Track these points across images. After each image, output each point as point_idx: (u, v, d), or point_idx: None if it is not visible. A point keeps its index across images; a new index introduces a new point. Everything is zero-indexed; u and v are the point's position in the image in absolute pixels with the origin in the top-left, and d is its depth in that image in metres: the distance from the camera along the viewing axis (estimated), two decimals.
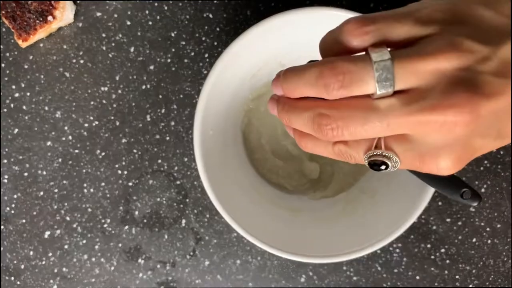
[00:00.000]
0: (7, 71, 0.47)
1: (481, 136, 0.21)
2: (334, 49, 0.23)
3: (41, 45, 0.47)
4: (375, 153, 0.23)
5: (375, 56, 0.21)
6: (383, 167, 0.23)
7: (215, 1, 0.47)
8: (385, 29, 0.22)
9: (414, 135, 0.22)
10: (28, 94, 0.47)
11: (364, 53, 0.22)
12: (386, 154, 0.23)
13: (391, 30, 0.22)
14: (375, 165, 0.23)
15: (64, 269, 0.48)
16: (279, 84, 0.24)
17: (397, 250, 0.48)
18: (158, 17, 0.47)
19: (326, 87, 0.22)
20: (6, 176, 0.48)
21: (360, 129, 0.22)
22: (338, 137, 0.22)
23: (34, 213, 0.48)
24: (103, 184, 0.48)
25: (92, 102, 0.47)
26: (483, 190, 0.47)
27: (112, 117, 0.47)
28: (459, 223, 0.48)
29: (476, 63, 0.21)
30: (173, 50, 0.47)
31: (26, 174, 0.48)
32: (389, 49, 0.22)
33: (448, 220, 0.48)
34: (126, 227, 0.48)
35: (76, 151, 0.47)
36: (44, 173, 0.48)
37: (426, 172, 0.23)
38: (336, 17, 0.37)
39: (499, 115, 0.21)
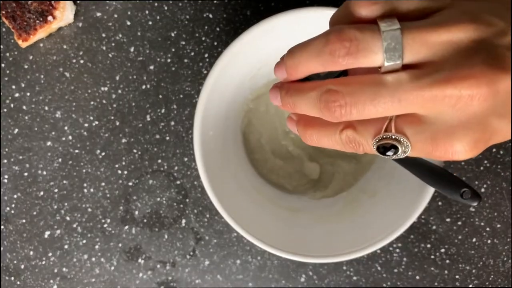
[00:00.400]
0: (7, 71, 0.47)
1: (498, 116, 0.20)
2: (343, 22, 0.22)
3: (41, 45, 0.47)
4: (384, 136, 0.21)
5: (383, 26, 0.20)
6: (390, 152, 0.21)
7: (215, 1, 0.47)
8: (395, 0, 0.21)
9: (426, 115, 0.20)
10: (28, 94, 0.47)
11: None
12: (397, 137, 0.21)
13: (401, 1, 0.21)
14: (384, 149, 0.22)
15: (64, 269, 0.48)
16: (282, 64, 0.23)
17: (397, 250, 0.48)
18: (158, 17, 0.47)
19: (331, 54, 0.20)
20: (6, 176, 0.48)
21: (369, 106, 0.20)
22: (346, 116, 0.21)
23: (34, 213, 0.48)
24: (103, 184, 0.48)
25: (92, 102, 0.47)
26: (483, 190, 0.47)
27: (112, 117, 0.47)
28: (459, 223, 0.48)
29: (493, 36, 0.19)
30: (173, 50, 0.47)
31: (26, 174, 0.48)
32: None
33: (448, 220, 0.48)
34: (126, 227, 0.48)
35: (76, 151, 0.47)
36: (44, 173, 0.48)
37: (440, 159, 0.21)
38: None
39: None
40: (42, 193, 0.48)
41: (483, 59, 0.19)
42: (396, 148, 0.21)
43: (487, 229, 0.48)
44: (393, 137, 0.21)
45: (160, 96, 0.47)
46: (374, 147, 0.22)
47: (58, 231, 0.48)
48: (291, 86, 0.23)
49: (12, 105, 0.47)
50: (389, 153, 0.22)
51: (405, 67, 0.20)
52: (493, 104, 0.19)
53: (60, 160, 0.47)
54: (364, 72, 0.21)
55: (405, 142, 0.21)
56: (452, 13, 0.20)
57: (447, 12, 0.20)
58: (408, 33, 0.20)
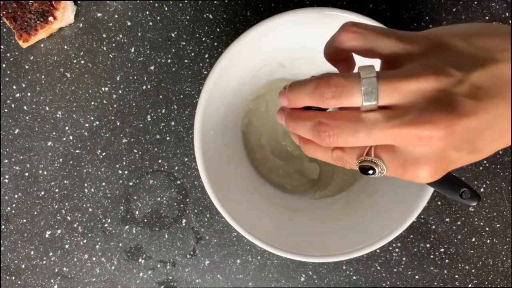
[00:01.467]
0: (8, 72, 0.47)
1: (455, 150, 0.25)
2: (333, 51, 0.28)
3: (42, 45, 0.47)
4: (365, 159, 0.27)
5: (363, 74, 0.25)
6: (370, 171, 0.27)
7: (215, 2, 0.47)
8: (372, 38, 0.26)
9: (398, 146, 0.25)
10: (29, 94, 0.47)
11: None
12: (374, 161, 0.26)
13: (377, 41, 0.26)
14: (364, 170, 0.27)
15: (64, 268, 0.48)
16: (285, 95, 0.29)
17: (397, 250, 0.48)
18: (158, 18, 0.47)
19: (321, 96, 0.26)
20: (7, 176, 0.48)
21: (351, 137, 0.25)
22: (333, 143, 0.26)
23: (35, 212, 0.48)
24: (103, 184, 0.48)
25: (92, 102, 0.47)
26: (482, 190, 0.48)
27: (113, 117, 0.47)
28: (458, 222, 0.48)
29: (451, 86, 0.24)
30: (173, 50, 0.47)
31: (27, 174, 0.48)
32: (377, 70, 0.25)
33: (447, 219, 0.48)
34: (127, 226, 0.48)
35: (77, 151, 0.48)
36: (45, 173, 0.48)
37: (408, 180, 0.26)
38: (336, 17, 0.37)
39: (472, 132, 0.24)
40: (43, 193, 0.48)
41: (441, 106, 0.24)
42: (374, 169, 0.27)
43: (487, 229, 0.48)
44: (372, 160, 0.27)
45: (161, 97, 0.47)
46: (357, 167, 0.27)
47: (59, 231, 0.48)
48: (292, 113, 0.29)
49: (13, 105, 0.47)
50: (370, 172, 0.27)
51: (381, 108, 0.25)
52: (450, 142, 0.24)
53: (61, 160, 0.48)
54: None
55: (381, 165, 0.26)
56: (419, 65, 0.25)
57: (415, 64, 0.25)
58: (383, 80, 0.25)
